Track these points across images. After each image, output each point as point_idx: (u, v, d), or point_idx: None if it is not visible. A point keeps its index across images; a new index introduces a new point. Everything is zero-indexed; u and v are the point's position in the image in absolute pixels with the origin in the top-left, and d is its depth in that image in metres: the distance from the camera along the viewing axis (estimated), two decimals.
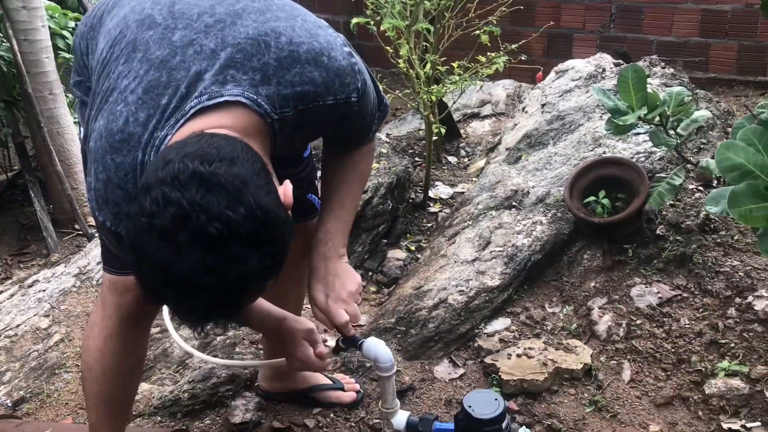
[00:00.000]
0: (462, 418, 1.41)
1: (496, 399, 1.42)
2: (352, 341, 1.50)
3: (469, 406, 1.40)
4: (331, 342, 1.60)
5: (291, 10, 1.30)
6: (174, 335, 1.83)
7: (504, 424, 1.39)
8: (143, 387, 2.09)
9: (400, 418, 1.54)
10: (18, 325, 2.49)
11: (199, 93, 1.18)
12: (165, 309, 1.95)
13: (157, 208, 1.00)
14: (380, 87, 1.46)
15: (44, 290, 2.67)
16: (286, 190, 1.15)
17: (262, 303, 1.54)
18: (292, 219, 1.14)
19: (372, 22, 2.66)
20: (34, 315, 2.53)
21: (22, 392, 2.16)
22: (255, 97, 1.19)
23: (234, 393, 2.01)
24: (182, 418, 1.96)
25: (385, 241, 2.77)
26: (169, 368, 2.19)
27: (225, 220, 1.00)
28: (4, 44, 3.44)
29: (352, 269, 1.51)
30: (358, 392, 1.99)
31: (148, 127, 1.18)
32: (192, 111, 1.17)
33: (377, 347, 1.48)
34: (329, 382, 1.99)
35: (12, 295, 2.70)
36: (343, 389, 1.99)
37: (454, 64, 2.84)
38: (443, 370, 2.10)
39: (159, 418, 1.96)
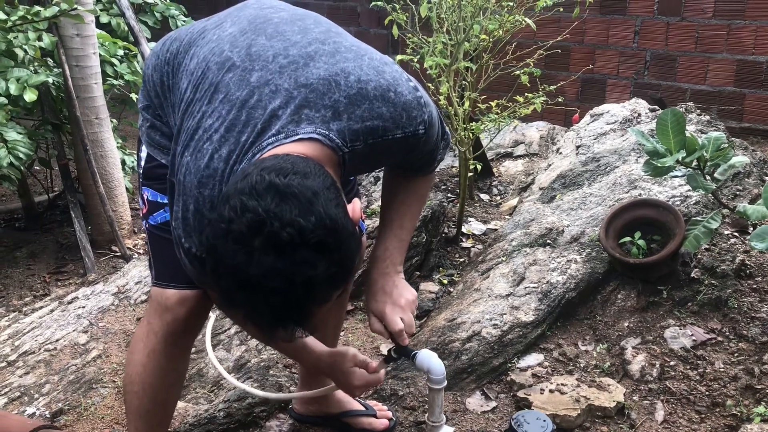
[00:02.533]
0: None
1: (544, 420, 1.43)
2: (404, 352, 1.53)
3: (518, 424, 1.41)
4: (384, 349, 1.64)
5: (358, 50, 1.37)
6: (219, 368, 1.88)
7: None
8: (179, 405, 2.12)
9: None
10: (57, 340, 2.54)
11: (276, 131, 1.26)
12: (207, 337, 2.01)
13: (235, 215, 1.07)
14: (443, 118, 1.52)
15: (83, 307, 2.73)
16: (354, 206, 1.22)
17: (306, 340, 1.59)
18: (360, 234, 1.21)
19: (415, 60, 2.74)
20: (73, 330, 2.59)
21: (60, 404, 2.21)
22: (327, 132, 1.26)
23: (268, 414, 2.04)
24: None
25: (418, 273, 2.80)
26: (204, 387, 2.22)
27: (297, 227, 1.06)
28: (55, 70, 3.57)
29: (407, 284, 1.56)
30: (390, 420, 2.01)
31: (230, 162, 1.27)
32: (268, 148, 1.25)
33: (431, 359, 1.51)
34: (362, 408, 2.01)
35: (52, 311, 2.76)
36: (375, 416, 2.01)
37: (492, 103, 2.90)
38: (475, 402, 2.11)
39: None
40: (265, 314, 1.13)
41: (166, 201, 1.54)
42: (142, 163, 1.61)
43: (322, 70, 1.30)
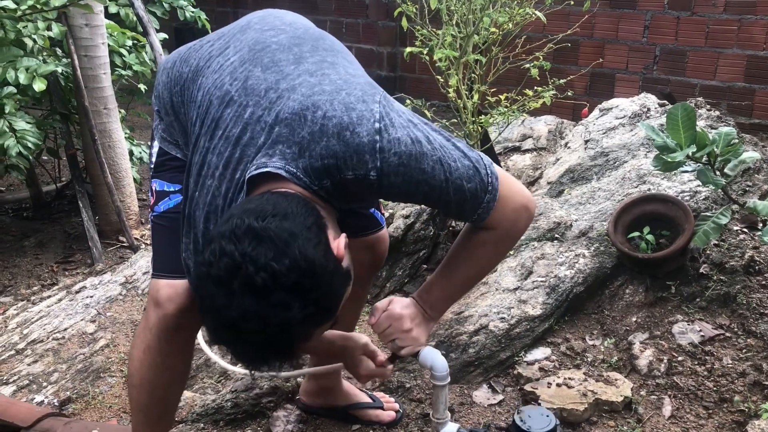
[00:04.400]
0: (514, 430, 1.42)
1: (548, 415, 1.43)
2: None
3: (522, 420, 1.42)
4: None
5: (341, 84, 1.32)
6: (210, 354, 1.89)
7: None
8: (186, 395, 2.14)
9: (450, 429, 1.55)
10: (65, 329, 2.56)
11: (250, 164, 1.30)
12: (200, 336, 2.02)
13: (214, 259, 1.13)
14: (486, 166, 1.40)
15: (91, 297, 2.74)
16: (339, 244, 1.23)
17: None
18: (345, 270, 1.23)
19: (425, 52, 2.73)
20: (81, 320, 2.60)
21: (68, 393, 2.22)
22: (294, 170, 1.27)
23: (276, 404, 2.04)
24: (224, 426, 2.00)
25: (425, 266, 2.80)
26: (211, 378, 2.23)
27: (270, 271, 1.11)
28: (64, 60, 3.57)
29: (423, 331, 1.54)
30: (397, 412, 2.01)
31: (227, 199, 1.33)
32: (242, 180, 1.30)
33: (434, 357, 1.51)
34: (369, 400, 2.01)
35: (60, 300, 2.78)
36: (382, 408, 2.01)
37: (501, 97, 2.90)
38: (482, 395, 2.11)
39: (201, 425, 2.00)
40: (247, 353, 1.18)
41: (172, 189, 1.58)
42: (154, 158, 1.64)
43: (297, 103, 1.30)
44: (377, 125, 1.27)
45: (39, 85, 3.11)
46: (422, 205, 1.45)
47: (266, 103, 1.33)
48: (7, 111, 3.05)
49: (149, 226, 1.78)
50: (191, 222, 1.39)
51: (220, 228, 1.17)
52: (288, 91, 1.32)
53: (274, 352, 1.17)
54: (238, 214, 1.17)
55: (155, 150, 1.63)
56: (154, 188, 1.62)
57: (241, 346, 1.17)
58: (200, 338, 2.03)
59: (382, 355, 1.58)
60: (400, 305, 1.51)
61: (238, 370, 1.96)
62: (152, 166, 1.64)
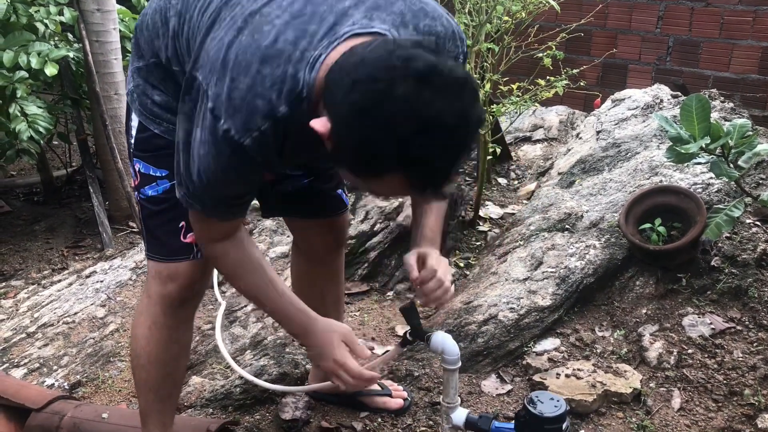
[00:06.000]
0: (524, 415, 1.42)
1: (558, 400, 1.43)
2: (419, 334, 1.53)
3: (532, 404, 1.42)
4: (399, 331, 1.63)
5: None
6: (225, 354, 1.91)
7: (564, 425, 1.40)
8: (195, 380, 2.15)
9: (460, 414, 1.56)
10: (76, 313, 2.57)
11: (350, 24, 1.25)
12: (218, 325, 2.03)
13: (406, 63, 1.08)
14: None
15: (101, 281, 2.76)
16: None
17: (298, 302, 1.53)
18: None
19: None
20: (91, 304, 2.61)
21: (78, 376, 2.23)
22: (398, 35, 1.27)
23: (284, 391, 2.04)
24: (233, 412, 2.00)
25: None
26: (220, 363, 2.24)
27: (461, 72, 1.13)
28: (75, 45, 3.57)
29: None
30: (405, 400, 2.01)
31: (298, 47, 1.22)
32: (345, 35, 1.23)
33: (445, 341, 1.51)
34: (378, 387, 2.02)
35: (70, 284, 2.79)
36: (390, 396, 2.01)
37: (513, 86, 2.88)
38: (491, 384, 2.11)
39: (211, 410, 2.01)
40: (445, 153, 1.13)
41: (159, 174, 1.54)
42: (133, 132, 1.56)
43: None
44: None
45: (50, 70, 3.10)
46: None
47: None
48: (18, 95, 3.06)
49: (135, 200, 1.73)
50: (229, 67, 1.24)
51: (384, 48, 1.13)
52: None
53: (463, 153, 1.16)
54: (390, 43, 1.17)
55: (135, 123, 1.55)
56: (137, 169, 1.56)
57: (439, 147, 1.10)
58: (218, 334, 2.05)
59: (364, 351, 1.52)
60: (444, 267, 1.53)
61: (253, 379, 1.95)
62: (132, 141, 1.57)
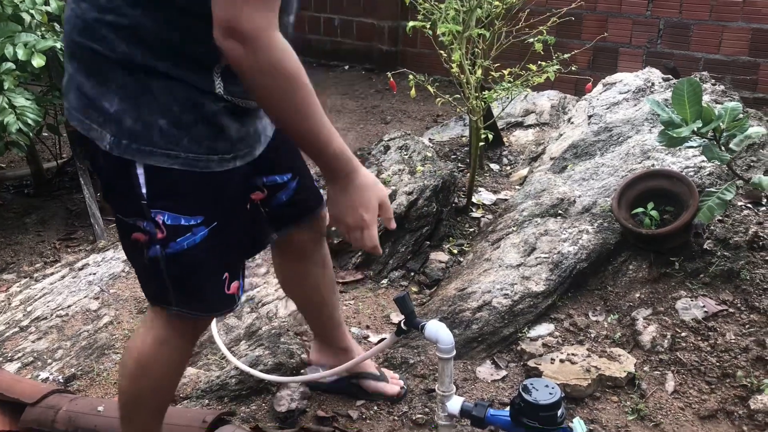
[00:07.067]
0: (519, 402, 1.43)
1: (553, 387, 1.44)
2: (414, 324, 1.53)
3: (527, 391, 1.42)
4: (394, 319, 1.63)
5: None
6: (225, 351, 1.90)
7: (559, 412, 1.41)
8: (190, 371, 2.14)
9: (455, 402, 1.56)
10: (69, 306, 2.56)
11: None
12: (213, 325, 2.03)
13: None
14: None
15: (94, 274, 2.74)
16: None
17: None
18: None
19: (427, 26, 2.70)
20: (85, 297, 2.60)
21: (73, 369, 2.23)
22: None
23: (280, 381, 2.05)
24: (229, 403, 2.00)
25: (428, 243, 2.80)
26: (215, 354, 2.24)
27: None
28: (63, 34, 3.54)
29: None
30: (402, 388, 2.02)
31: None
32: None
33: (438, 330, 1.52)
34: (376, 372, 2.02)
35: (63, 277, 2.78)
36: (387, 382, 2.02)
37: (505, 71, 2.87)
38: (485, 371, 2.12)
39: (206, 401, 2.01)
40: None
41: (193, 222, 1.32)
42: (142, 186, 1.28)
43: None
44: None
45: (38, 61, 3.07)
46: None
47: None
48: (6, 87, 3.02)
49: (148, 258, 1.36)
50: None
51: None
52: None
53: None
54: None
55: (140, 172, 1.26)
56: (160, 221, 1.31)
57: None
58: (213, 328, 2.06)
59: (392, 222, 1.43)
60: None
61: (251, 370, 1.95)
62: (144, 192, 1.28)
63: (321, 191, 1.78)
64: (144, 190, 1.28)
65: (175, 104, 1.25)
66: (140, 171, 1.27)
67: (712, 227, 2.34)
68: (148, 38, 1.23)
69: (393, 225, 1.45)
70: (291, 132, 1.29)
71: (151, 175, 1.28)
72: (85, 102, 1.28)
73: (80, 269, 2.81)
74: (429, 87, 2.81)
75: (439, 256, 2.75)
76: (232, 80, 1.27)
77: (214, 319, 2.06)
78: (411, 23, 2.68)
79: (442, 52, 2.81)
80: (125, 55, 1.23)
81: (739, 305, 2.15)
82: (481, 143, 2.96)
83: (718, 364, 2.02)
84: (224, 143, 1.33)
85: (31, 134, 3.23)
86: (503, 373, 2.10)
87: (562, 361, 2.05)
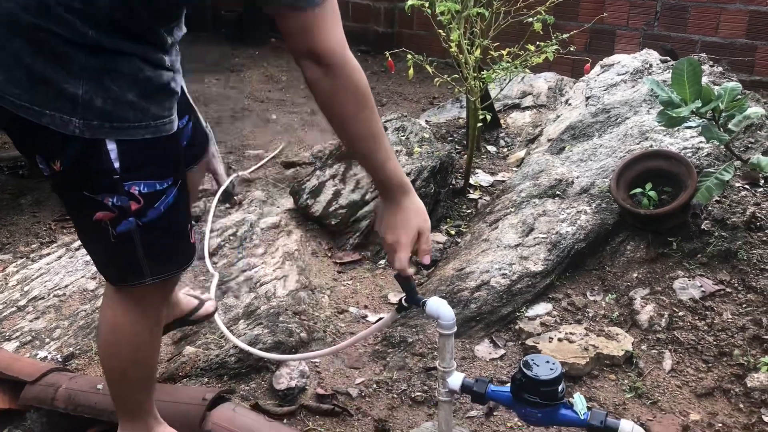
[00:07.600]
0: (520, 377, 1.43)
1: (554, 363, 1.45)
2: (414, 300, 1.53)
3: (528, 367, 1.43)
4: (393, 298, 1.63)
5: None
6: (224, 330, 1.90)
7: (560, 387, 1.41)
8: (189, 350, 2.14)
9: (456, 378, 1.56)
10: (66, 286, 2.55)
11: None
12: (212, 296, 2.04)
13: None
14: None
15: None
16: None
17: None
18: None
19: (426, 6, 2.68)
20: (82, 277, 2.60)
21: (71, 348, 2.23)
22: None
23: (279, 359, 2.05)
24: (228, 381, 2.01)
25: None
26: (213, 334, 2.23)
27: None
28: None
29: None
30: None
31: None
32: None
33: (439, 306, 1.51)
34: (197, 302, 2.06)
35: (60, 257, 2.77)
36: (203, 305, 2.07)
37: (504, 52, 2.86)
38: (484, 349, 2.13)
39: (206, 380, 2.01)
40: None
41: (165, 186, 1.33)
42: (114, 161, 1.26)
43: None
44: None
45: None
46: None
47: None
48: None
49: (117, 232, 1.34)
50: None
51: None
52: None
53: None
54: None
55: (111, 147, 1.25)
56: (136, 192, 1.30)
57: None
58: (216, 318, 2.07)
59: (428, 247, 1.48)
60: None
61: (250, 349, 1.96)
62: (117, 167, 1.27)
63: (207, 128, 1.78)
64: (117, 165, 1.27)
65: (140, 74, 1.26)
66: (111, 147, 1.26)
67: (710, 207, 2.35)
68: (105, 21, 1.21)
69: (427, 260, 1.50)
70: (354, 146, 1.37)
71: (124, 149, 1.27)
72: (40, 88, 1.21)
73: (77, 249, 2.79)
74: (427, 67, 2.79)
75: (437, 237, 2.75)
76: (173, 52, 1.38)
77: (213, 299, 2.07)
78: (410, 2, 2.66)
79: (440, 31, 2.79)
80: (87, 37, 1.20)
81: (736, 285, 2.17)
82: (479, 124, 2.95)
83: (715, 342, 2.03)
84: (174, 104, 1.38)
85: None
86: (501, 351, 2.11)
87: (560, 339, 2.06)
